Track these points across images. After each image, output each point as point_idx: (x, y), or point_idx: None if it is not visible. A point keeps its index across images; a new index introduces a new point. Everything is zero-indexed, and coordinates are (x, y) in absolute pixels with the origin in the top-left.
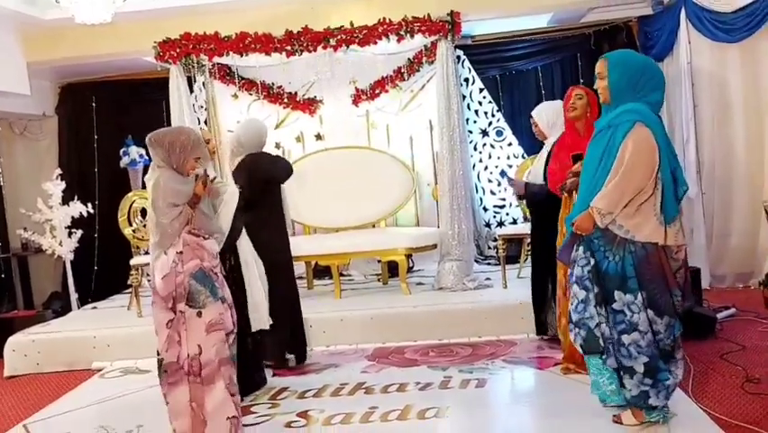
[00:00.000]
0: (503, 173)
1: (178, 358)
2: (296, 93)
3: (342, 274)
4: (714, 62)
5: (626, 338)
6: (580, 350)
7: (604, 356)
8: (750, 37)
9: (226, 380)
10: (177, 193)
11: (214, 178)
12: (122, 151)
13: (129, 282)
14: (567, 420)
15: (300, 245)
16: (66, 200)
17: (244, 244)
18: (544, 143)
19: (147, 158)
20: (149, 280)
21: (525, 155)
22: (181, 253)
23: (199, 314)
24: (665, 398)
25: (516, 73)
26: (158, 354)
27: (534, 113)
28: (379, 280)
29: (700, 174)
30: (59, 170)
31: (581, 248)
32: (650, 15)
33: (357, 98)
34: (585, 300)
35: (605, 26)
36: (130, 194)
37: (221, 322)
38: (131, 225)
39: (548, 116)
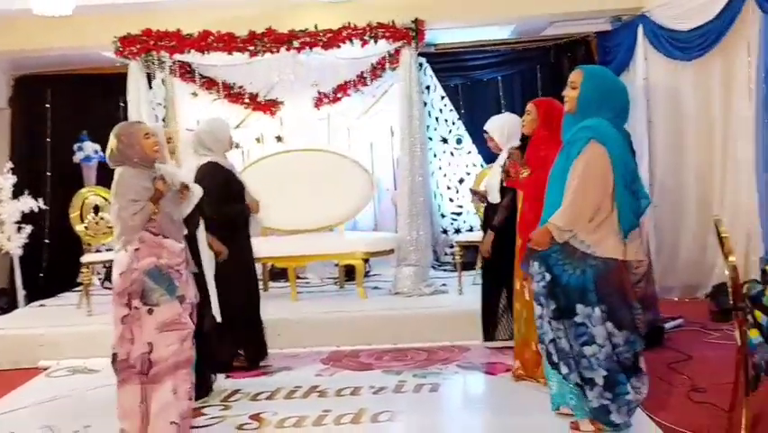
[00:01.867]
0: (472, 191)
1: (128, 356)
2: (257, 94)
3: (298, 277)
4: (669, 79)
5: (587, 350)
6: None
7: (564, 371)
8: (704, 56)
9: (182, 383)
10: (138, 188)
11: (187, 185)
12: (76, 146)
13: (79, 280)
14: (519, 424)
15: (257, 247)
16: (16, 195)
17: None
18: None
19: (102, 154)
20: (99, 279)
21: (483, 164)
22: (138, 249)
23: (150, 311)
24: (627, 414)
25: (477, 82)
26: (112, 349)
27: (487, 127)
28: (335, 283)
29: (653, 188)
30: (9, 164)
31: (536, 264)
32: (609, 31)
33: (319, 101)
34: (541, 316)
35: (565, 40)
36: (83, 190)
37: (178, 321)
38: (83, 221)
39: (501, 129)
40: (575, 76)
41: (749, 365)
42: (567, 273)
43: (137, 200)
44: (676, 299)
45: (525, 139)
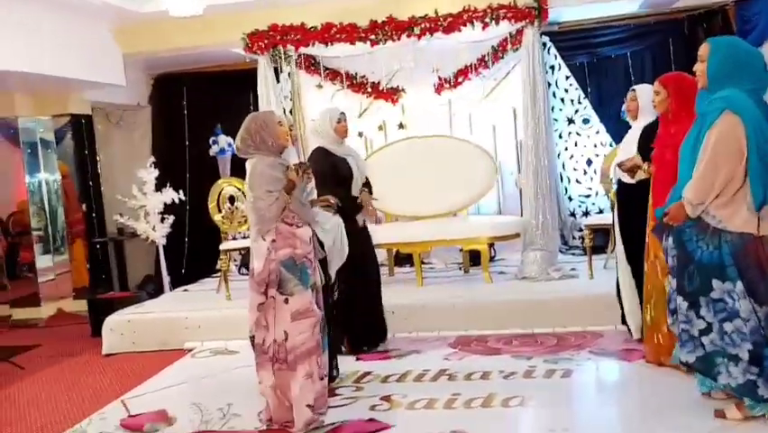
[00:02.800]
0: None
1: (263, 342)
2: (379, 82)
3: (423, 262)
4: None
5: (727, 326)
6: None
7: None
8: None
9: (313, 367)
10: (272, 178)
11: (308, 165)
12: (211, 139)
13: (218, 267)
14: (658, 414)
15: (382, 233)
16: (159, 187)
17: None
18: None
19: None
20: (236, 265)
21: (612, 143)
22: (274, 241)
23: (286, 301)
24: None
25: (604, 59)
26: (250, 332)
27: (637, 87)
28: (460, 268)
29: None
30: (152, 158)
31: (671, 239)
32: None
33: (439, 87)
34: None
35: (699, 11)
36: (219, 181)
37: (310, 309)
38: (220, 211)
39: (649, 97)
40: (703, 49)
41: None
42: (700, 249)
43: (272, 191)
44: None
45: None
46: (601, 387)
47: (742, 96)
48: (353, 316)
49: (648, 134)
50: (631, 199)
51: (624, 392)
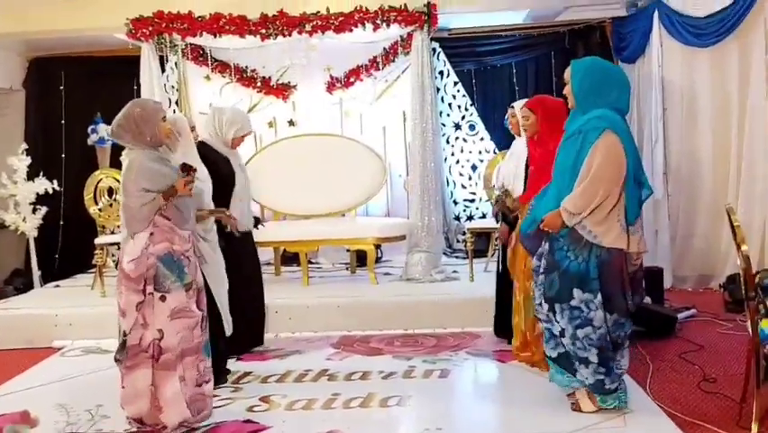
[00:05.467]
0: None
1: (140, 340)
2: (269, 77)
3: (310, 262)
4: (684, 66)
5: (580, 332)
6: None
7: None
8: (720, 43)
9: (189, 369)
10: (153, 174)
11: (192, 166)
12: (90, 128)
13: (93, 262)
14: (527, 410)
15: (269, 231)
16: (31, 176)
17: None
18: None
19: None
20: (113, 260)
21: (496, 150)
22: (152, 234)
23: (163, 298)
24: (618, 380)
25: (490, 68)
26: (123, 335)
27: (516, 104)
28: (347, 268)
29: (667, 176)
30: (24, 145)
31: (546, 244)
32: (624, 17)
33: (331, 86)
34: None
35: (579, 26)
36: (97, 172)
37: (187, 309)
38: (97, 203)
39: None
40: (566, 72)
41: (761, 356)
42: (569, 259)
43: (149, 190)
44: (690, 289)
45: None
46: (477, 386)
47: (616, 116)
48: (234, 316)
49: None
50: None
51: (497, 391)
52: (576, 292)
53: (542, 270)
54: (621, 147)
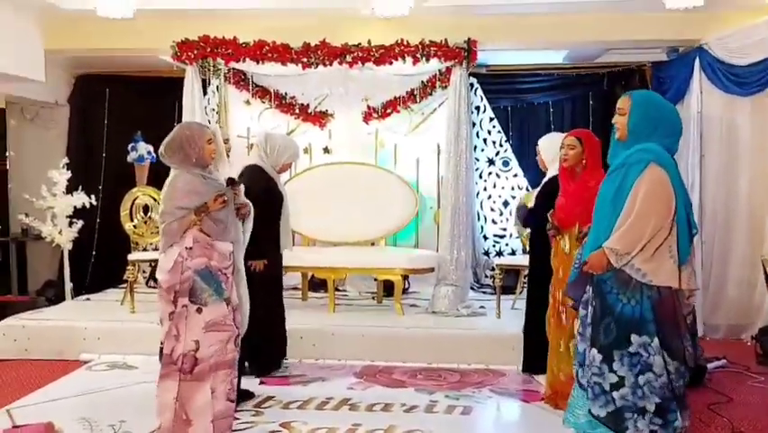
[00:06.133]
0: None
1: (171, 352)
2: (308, 105)
3: (337, 289)
4: (724, 113)
5: (641, 379)
6: None
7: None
8: (762, 92)
9: (220, 383)
10: (190, 194)
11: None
12: (130, 146)
13: (125, 277)
14: None
15: (298, 256)
16: (70, 190)
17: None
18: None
19: (155, 155)
20: (144, 277)
21: (529, 188)
22: (191, 248)
23: (199, 310)
24: None
25: (527, 105)
26: (161, 343)
27: (540, 141)
28: (373, 298)
29: (702, 222)
30: (66, 159)
31: (590, 289)
32: (664, 61)
33: (368, 116)
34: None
35: (619, 68)
36: (134, 189)
37: (224, 323)
38: (132, 220)
39: (553, 149)
40: (623, 102)
41: None
42: (621, 303)
43: (183, 208)
44: (720, 338)
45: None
46: (499, 426)
47: (662, 151)
48: (258, 337)
49: (547, 187)
50: (542, 245)
51: (520, 432)
52: (633, 337)
53: (590, 320)
54: (668, 179)
